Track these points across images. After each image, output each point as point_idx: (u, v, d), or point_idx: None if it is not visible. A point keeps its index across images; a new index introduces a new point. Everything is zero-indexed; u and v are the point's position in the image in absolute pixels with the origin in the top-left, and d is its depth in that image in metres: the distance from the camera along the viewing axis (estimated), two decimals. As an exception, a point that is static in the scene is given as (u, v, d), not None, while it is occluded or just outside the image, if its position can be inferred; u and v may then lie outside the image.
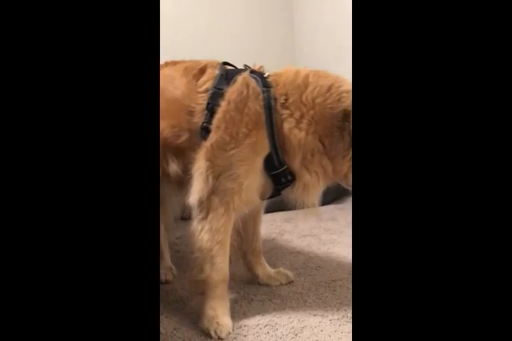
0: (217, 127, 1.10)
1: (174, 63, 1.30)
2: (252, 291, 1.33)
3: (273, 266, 1.44)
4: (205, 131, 1.12)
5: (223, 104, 1.11)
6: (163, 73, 1.23)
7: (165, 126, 1.15)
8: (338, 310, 1.18)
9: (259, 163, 1.10)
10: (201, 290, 1.14)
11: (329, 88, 1.09)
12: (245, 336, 1.07)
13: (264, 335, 1.07)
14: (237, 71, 1.20)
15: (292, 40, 3.20)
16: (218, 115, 1.10)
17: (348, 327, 1.09)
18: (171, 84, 1.20)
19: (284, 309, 1.20)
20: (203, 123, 1.12)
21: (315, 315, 1.16)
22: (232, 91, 1.12)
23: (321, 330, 1.08)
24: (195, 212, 1.13)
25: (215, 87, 1.14)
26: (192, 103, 1.15)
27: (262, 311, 1.19)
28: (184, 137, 1.16)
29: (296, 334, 1.06)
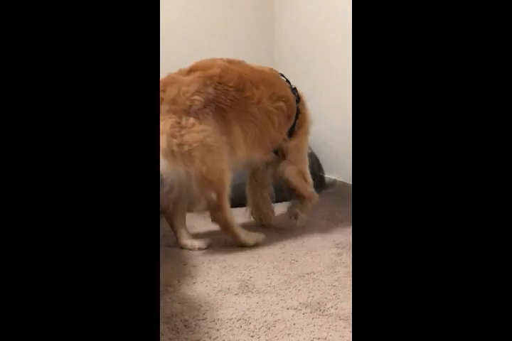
0: (301, 126, 1.84)
1: (238, 61, 1.74)
2: (226, 285, 1.32)
3: (248, 259, 1.43)
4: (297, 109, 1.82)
5: (302, 100, 1.85)
6: (253, 67, 1.75)
7: (284, 103, 1.75)
8: (311, 303, 1.19)
9: None
10: None
11: None
12: (218, 330, 1.06)
13: (237, 329, 1.07)
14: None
15: (272, 42, 3.19)
16: (304, 109, 1.86)
17: (321, 321, 1.09)
18: (269, 75, 1.78)
19: (257, 303, 1.20)
20: (297, 104, 1.82)
21: (288, 309, 1.16)
22: (302, 97, 1.86)
23: (294, 324, 1.08)
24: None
25: (292, 86, 1.85)
26: (288, 90, 1.82)
27: (236, 305, 1.19)
28: (291, 109, 1.79)
29: (268, 328, 1.07)
